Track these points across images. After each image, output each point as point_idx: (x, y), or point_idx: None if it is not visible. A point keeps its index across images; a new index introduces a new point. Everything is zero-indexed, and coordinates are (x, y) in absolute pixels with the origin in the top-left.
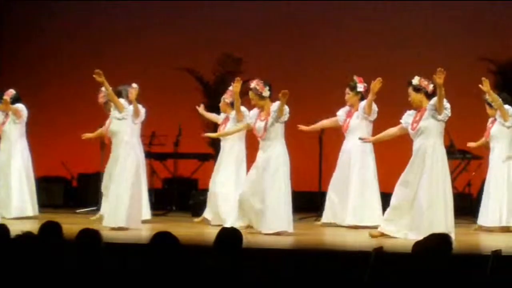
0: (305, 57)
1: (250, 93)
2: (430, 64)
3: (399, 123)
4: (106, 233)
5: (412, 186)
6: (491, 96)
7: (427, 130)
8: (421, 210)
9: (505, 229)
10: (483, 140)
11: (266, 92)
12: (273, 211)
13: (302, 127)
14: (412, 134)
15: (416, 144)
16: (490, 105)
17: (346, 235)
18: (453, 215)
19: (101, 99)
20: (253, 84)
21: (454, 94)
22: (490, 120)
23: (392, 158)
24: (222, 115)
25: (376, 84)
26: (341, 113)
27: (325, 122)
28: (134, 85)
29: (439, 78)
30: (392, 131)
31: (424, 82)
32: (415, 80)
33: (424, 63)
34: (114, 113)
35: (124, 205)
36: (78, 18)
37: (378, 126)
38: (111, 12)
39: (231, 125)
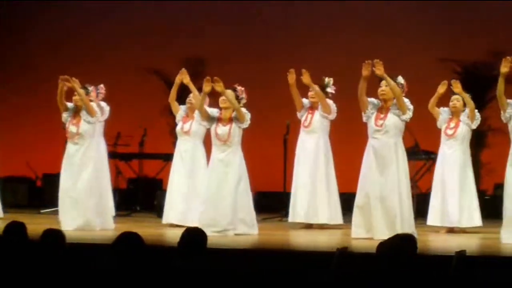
0: (270, 60)
1: (229, 92)
2: (396, 66)
3: (363, 125)
4: (71, 233)
5: (377, 185)
6: (465, 98)
7: (391, 129)
8: (394, 211)
9: (462, 230)
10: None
11: (242, 100)
12: (247, 214)
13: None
14: (373, 130)
15: (378, 142)
16: (464, 105)
17: (311, 235)
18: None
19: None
20: (238, 87)
21: (420, 94)
22: (448, 113)
23: (344, 158)
24: (184, 108)
25: (305, 77)
26: (306, 105)
27: (298, 96)
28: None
29: (379, 70)
30: (363, 96)
31: (405, 88)
32: (401, 79)
33: (389, 65)
34: (86, 117)
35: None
36: (41, 18)
37: (341, 126)
38: (76, 12)
39: (196, 125)
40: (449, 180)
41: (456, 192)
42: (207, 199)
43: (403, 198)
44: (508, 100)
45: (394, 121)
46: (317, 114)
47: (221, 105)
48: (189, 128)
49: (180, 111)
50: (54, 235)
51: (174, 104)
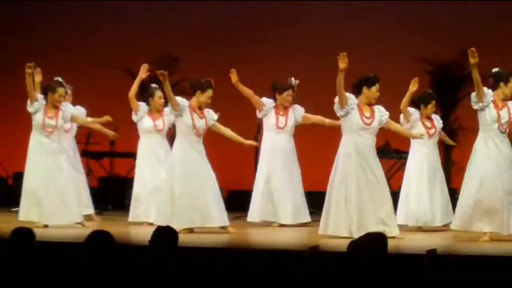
0: (242, 58)
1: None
2: (369, 65)
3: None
4: (42, 231)
5: (356, 182)
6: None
7: (376, 129)
8: (385, 208)
9: (432, 228)
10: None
11: None
12: (220, 207)
13: None
14: (360, 126)
15: (363, 139)
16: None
17: (282, 233)
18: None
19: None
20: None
21: (392, 94)
22: (418, 113)
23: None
24: (144, 105)
25: None
26: (269, 105)
27: (251, 94)
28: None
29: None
30: (342, 90)
31: None
32: None
33: (362, 64)
34: (68, 107)
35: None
36: (17, 17)
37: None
38: (46, 13)
39: (168, 121)
40: (428, 179)
41: (436, 190)
42: (183, 196)
43: (385, 197)
44: (485, 90)
45: (378, 124)
46: (291, 117)
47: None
48: (162, 126)
49: (140, 108)
50: (24, 234)
51: (134, 101)
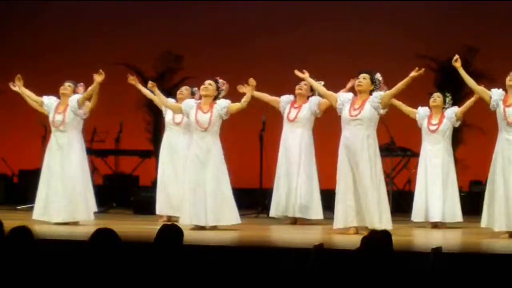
0: (246, 56)
1: (210, 82)
2: (374, 62)
3: (339, 122)
4: (47, 228)
5: (351, 176)
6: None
7: (366, 120)
8: (361, 203)
9: (444, 226)
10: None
11: (222, 92)
12: (227, 204)
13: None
14: (347, 120)
15: (350, 132)
16: (444, 102)
17: (287, 231)
18: (389, 209)
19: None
20: (221, 80)
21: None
22: (425, 111)
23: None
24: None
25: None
26: (286, 100)
27: (268, 98)
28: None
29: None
30: (326, 92)
31: (382, 84)
32: (379, 76)
33: (367, 61)
34: (74, 107)
35: (92, 197)
36: (20, 18)
37: (323, 121)
38: (52, 10)
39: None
40: (432, 176)
41: (439, 187)
42: (188, 192)
43: (373, 190)
44: (492, 91)
45: (371, 113)
46: (305, 109)
47: (201, 92)
48: (181, 120)
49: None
50: (22, 232)
51: (170, 107)
